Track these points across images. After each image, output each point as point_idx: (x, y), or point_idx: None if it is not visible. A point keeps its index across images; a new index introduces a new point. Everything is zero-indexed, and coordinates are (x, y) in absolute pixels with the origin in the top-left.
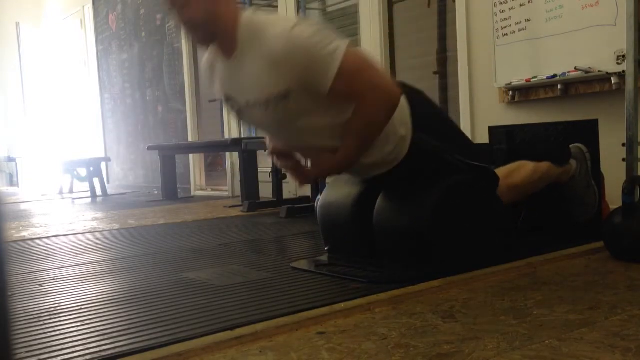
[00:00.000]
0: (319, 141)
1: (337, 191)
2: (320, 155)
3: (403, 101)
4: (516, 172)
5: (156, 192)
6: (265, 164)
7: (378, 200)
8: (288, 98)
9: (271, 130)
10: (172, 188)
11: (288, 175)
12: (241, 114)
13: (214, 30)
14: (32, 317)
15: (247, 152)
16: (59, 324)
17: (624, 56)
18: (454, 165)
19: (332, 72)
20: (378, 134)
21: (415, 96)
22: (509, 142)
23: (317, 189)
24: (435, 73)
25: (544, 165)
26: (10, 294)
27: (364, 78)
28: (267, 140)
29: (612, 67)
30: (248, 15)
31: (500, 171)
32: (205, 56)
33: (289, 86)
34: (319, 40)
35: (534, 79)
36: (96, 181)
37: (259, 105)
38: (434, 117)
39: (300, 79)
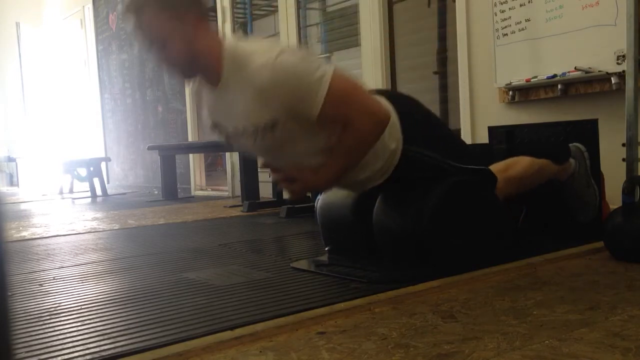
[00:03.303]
0: (307, 161)
1: (338, 191)
2: (307, 172)
3: (394, 115)
4: (513, 166)
5: (156, 192)
6: None
7: (377, 201)
8: (275, 127)
9: (260, 155)
10: (172, 188)
11: (281, 187)
12: (229, 140)
13: (196, 66)
14: (32, 317)
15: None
16: (59, 324)
17: (624, 56)
18: (447, 171)
19: (320, 97)
20: (365, 154)
21: (404, 106)
22: (508, 142)
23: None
24: (435, 73)
25: (542, 160)
26: (10, 294)
27: (352, 101)
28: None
29: (612, 67)
30: (231, 45)
31: (497, 165)
32: (192, 83)
33: (277, 115)
34: (305, 67)
35: (533, 79)
36: (96, 181)
37: (247, 133)
38: (424, 125)
39: (288, 107)
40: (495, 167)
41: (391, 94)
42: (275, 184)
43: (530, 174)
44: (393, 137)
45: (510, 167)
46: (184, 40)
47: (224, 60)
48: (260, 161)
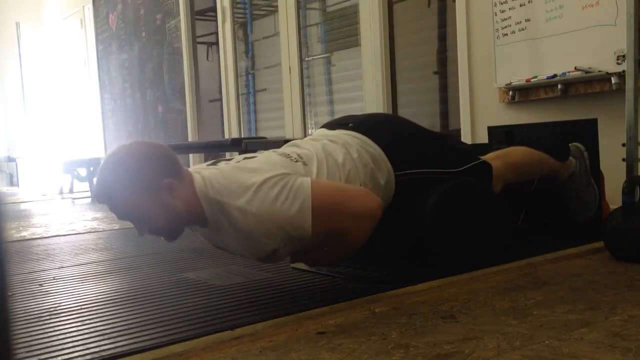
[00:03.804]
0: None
1: None
2: (316, 253)
3: (378, 150)
4: (513, 152)
5: None
6: None
7: None
8: (276, 252)
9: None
10: None
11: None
12: (237, 254)
13: (182, 225)
14: (32, 317)
15: (247, 152)
16: (59, 324)
17: (624, 56)
18: (445, 179)
19: (307, 225)
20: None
21: (385, 134)
22: (508, 142)
23: None
24: (435, 73)
25: (542, 153)
26: (10, 294)
27: (339, 213)
28: None
29: (612, 67)
30: (202, 189)
31: (496, 153)
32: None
33: (273, 246)
34: (283, 201)
35: (534, 79)
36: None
37: (252, 257)
38: (410, 146)
39: (281, 238)
40: (494, 154)
41: (371, 126)
42: None
43: (529, 161)
44: (382, 172)
45: (510, 153)
46: (164, 210)
47: (204, 208)
48: None
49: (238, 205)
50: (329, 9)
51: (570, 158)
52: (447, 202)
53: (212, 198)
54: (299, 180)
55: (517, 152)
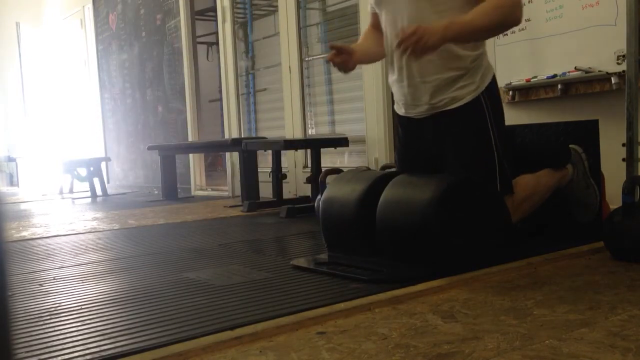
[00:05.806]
0: (442, 16)
1: (341, 187)
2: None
3: (492, 70)
4: (517, 190)
5: (156, 192)
6: (265, 164)
7: (381, 199)
8: None
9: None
10: (172, 188)
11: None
12: None
13: None
14: (32, 317)
15: (247, 152)
16: (59, 324)
17: (624, 56)
18: (490, 157)
19: None
20: (489, 31)
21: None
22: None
23: (317, 189)
24: None
25: (544, 176)
26: (10, 294)
27: None
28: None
29: (612, 67)
30: None
31: None
32: None
33: None
34: None
35: (534, 79)
36: (96, 181)
37: None
38: (500, 106)
39: None
40: None
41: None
42: (277, 178)
43: (535, 193)
44: (483, 75)
45: (515, 194)
46: None
47: None
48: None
49: None
50: (329, 9)
51: (568, 165)
52: (449, 201)
53: None
54: None
55: (522, 191)
